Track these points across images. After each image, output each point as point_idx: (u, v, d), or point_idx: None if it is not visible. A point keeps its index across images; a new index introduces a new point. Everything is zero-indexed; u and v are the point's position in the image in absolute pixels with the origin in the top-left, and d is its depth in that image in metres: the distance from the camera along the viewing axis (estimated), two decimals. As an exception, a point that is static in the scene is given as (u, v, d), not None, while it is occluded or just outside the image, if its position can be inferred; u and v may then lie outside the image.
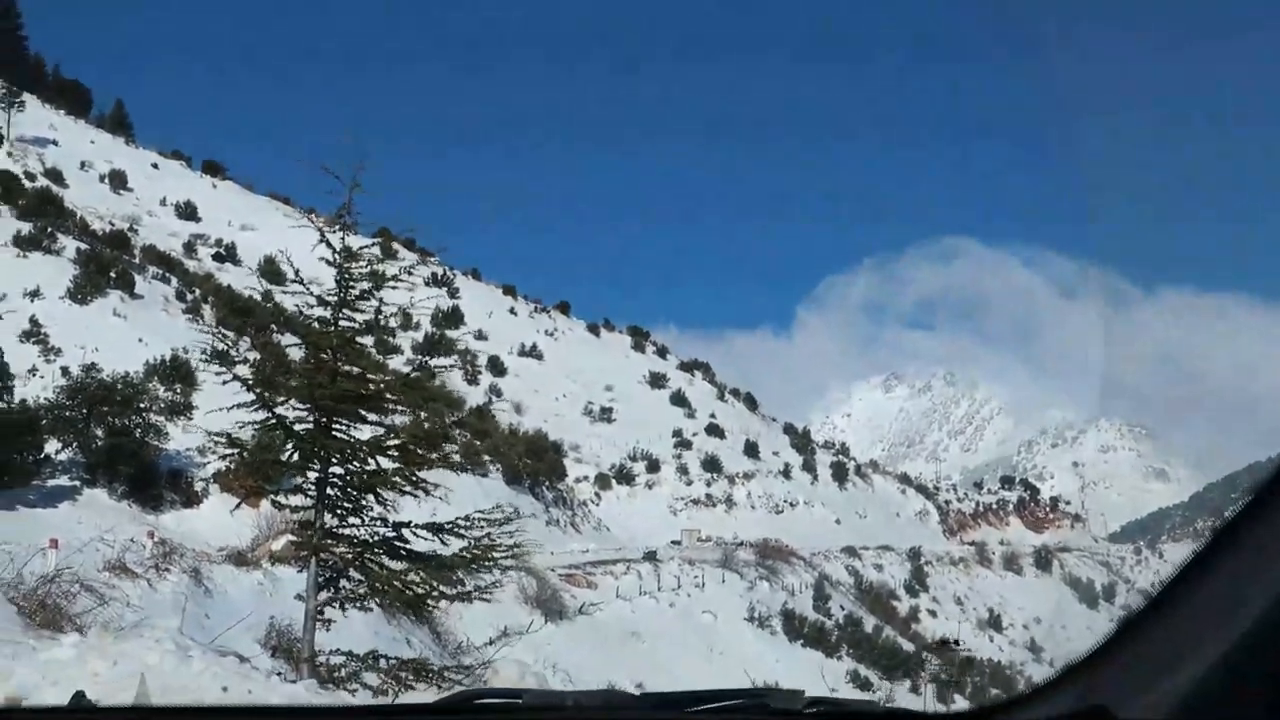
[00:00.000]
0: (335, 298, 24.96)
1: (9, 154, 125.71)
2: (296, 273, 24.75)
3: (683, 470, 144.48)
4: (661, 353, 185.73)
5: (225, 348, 32.14)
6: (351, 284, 24.99)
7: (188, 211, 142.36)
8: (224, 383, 27.18)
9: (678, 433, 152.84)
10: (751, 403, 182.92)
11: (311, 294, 25.18)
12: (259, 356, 37.83)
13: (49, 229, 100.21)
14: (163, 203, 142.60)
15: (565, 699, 2.56)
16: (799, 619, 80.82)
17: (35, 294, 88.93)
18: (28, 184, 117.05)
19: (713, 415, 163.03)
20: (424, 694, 21.97)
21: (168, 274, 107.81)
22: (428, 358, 31.92)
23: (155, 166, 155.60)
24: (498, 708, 2.27)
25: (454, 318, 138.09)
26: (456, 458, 36.41)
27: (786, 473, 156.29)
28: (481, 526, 24.65)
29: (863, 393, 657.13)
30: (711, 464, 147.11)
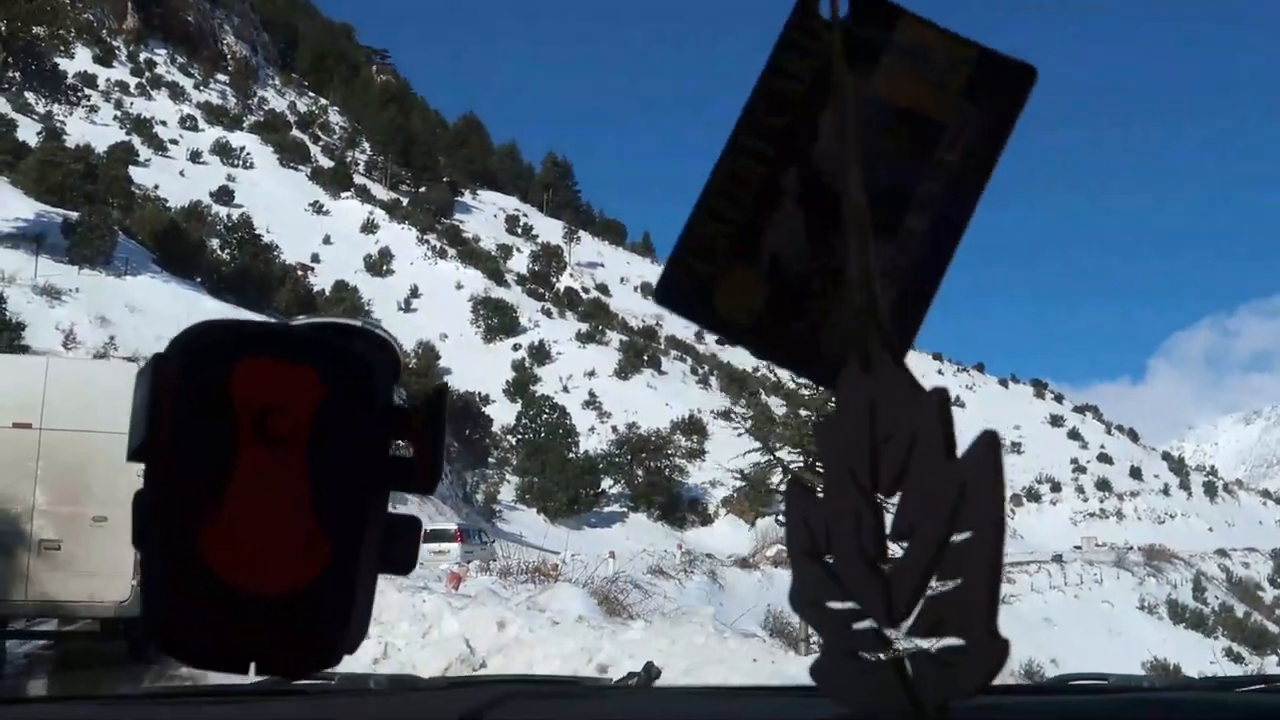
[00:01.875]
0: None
1: (570, 274, 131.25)
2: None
3: (1079, 490, 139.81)
4: (1059, 399, 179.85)
5: (728, 408, 32.62)
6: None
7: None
8: (738, 434, 27.64)
9: (1074, 460, 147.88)
10: (1134, 436, 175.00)
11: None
12: (752, 412, 38.48)
13: (600, 327, 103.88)
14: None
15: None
16: (1181, 607, 76.08)
17: (592, 373, 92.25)
18: (584, 296, 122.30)
19: (1102, 446, 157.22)
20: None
21: (684, 355, 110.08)
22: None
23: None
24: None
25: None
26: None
27: (1166, 491, 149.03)
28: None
29: (1227, 426, 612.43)
30: (1103, 485, 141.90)
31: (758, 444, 27.80)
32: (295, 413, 0.84)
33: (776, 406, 31.59)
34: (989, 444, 0.68)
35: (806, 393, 25.58)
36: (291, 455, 0.83)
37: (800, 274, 0.78)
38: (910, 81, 0.77)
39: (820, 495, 0.81)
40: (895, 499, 0.73)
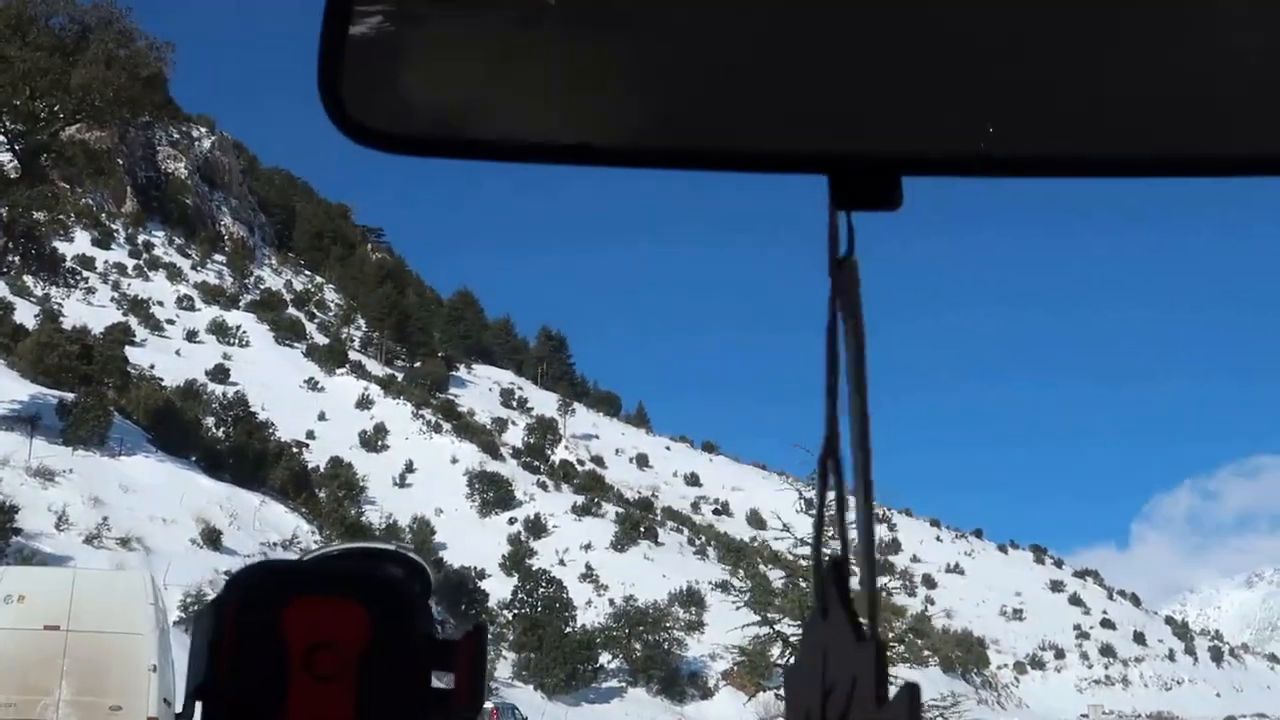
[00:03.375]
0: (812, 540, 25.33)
1: (565, 447, 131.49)
2: (784, 525, 25.22)
3: (1084, 656, 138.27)
4: (1058, 564, 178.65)
5: (726, 579, 32.62)
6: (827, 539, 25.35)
7: (693, 480, 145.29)
8: (737, 608, 27.58)
9: (1077, 626, 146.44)
10: (1136, 600, 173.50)
11: (794, 536, 25.56)
12: (750, 584, 38.38)
13: (596, 499, 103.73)
14: (674, 474, 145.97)
15: None
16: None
17: (588, 546, 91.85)
18: (580, 468, 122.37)
19: (1104, 612, 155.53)
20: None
21: (680, 526, 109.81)
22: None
23: (668, 448, 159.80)
24: None
25: (893, 546, 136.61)
26: (931, 655, 35.76)
27: (1171, 656, 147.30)
28: (938, 710, 24.21)
29: (1229, 589, 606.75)
30: (1107, 650, 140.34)
31: (756, 616, 27.71)
32: (343, 649, 0.85)
33: (775, 578, 31.57)
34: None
35: (802, 563, 25.61)
36: (340, 689, 0.84)
37: None
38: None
39: None
40: None
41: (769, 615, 27.51)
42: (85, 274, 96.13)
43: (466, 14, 0.92)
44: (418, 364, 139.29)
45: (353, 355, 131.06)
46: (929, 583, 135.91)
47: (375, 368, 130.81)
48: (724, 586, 53.70)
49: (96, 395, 55.01)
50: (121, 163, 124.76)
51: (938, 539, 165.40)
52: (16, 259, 54.52)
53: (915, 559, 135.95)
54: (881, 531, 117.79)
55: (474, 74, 0.94)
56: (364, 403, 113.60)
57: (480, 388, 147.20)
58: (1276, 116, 0.88)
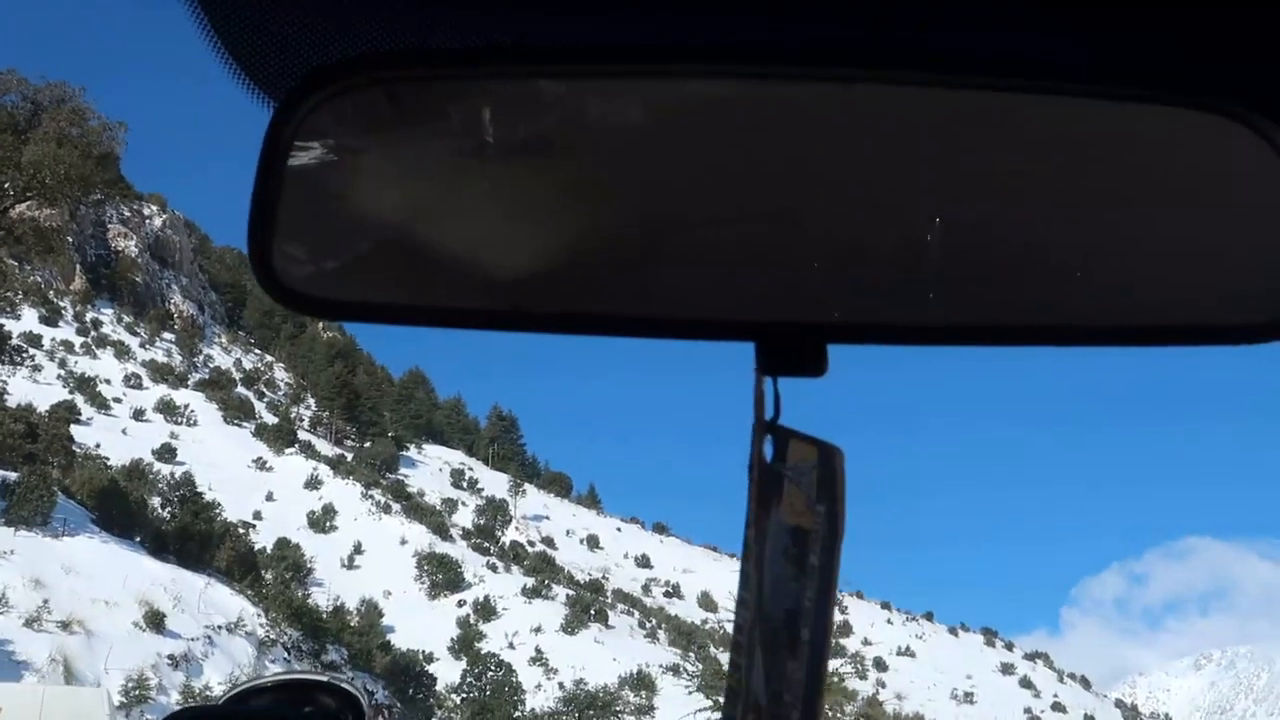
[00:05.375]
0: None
1: (516, 528, 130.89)
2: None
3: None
4: (1009, 646, 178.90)
5: (677, 662, 32.66)
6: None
7: (644, 561, 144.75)
8: (689, 692, 27.59)
9: (1028, 710, 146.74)
10: (1086, 683, 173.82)
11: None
12: (702, 668, 38.25)
13: (546, 581, 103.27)
14: (625, 556, 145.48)
15: None
16: None
17: (538, 629, 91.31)
18: (530, 549, 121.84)
19: (1055, 695, 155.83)
20: None
21: (631, 609, 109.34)
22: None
23: (619, 530, 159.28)
24: None
25: (844, 629, 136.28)
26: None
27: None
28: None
29: (1178, 672, 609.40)
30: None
31: (708, 701, 27.66)
32: None
33: (726, 660, 31.57)
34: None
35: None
36: None
37: (758, 702, 0.87)
38: (796, 499, 0.86)
39: None
40: None
41: (720, 700, 27.51)
42: (32, 351, 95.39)
43: (406, 185, 0.93)
44: (368, 444, 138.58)
45: (302, 435, 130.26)
46: (880, 665, 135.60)
47: (325, 447, 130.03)
48: (675, 670, 53.48)
49: (40, 474, 54.39)
50: (71, 240, 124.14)
51: (889, 621, 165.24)
52: (-39, 336, 54.04)
53: (866, 641, 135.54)
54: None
55: (400, 242, 0.95)
56: (313, 483, 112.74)
57: (430, 468, 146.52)
58: (1202, 288, 0.91)
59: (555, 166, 0.92)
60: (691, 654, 79.28)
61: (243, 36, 0.91)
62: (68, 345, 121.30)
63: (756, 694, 0.87)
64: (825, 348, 0.88)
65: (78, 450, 72.87)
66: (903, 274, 0.90)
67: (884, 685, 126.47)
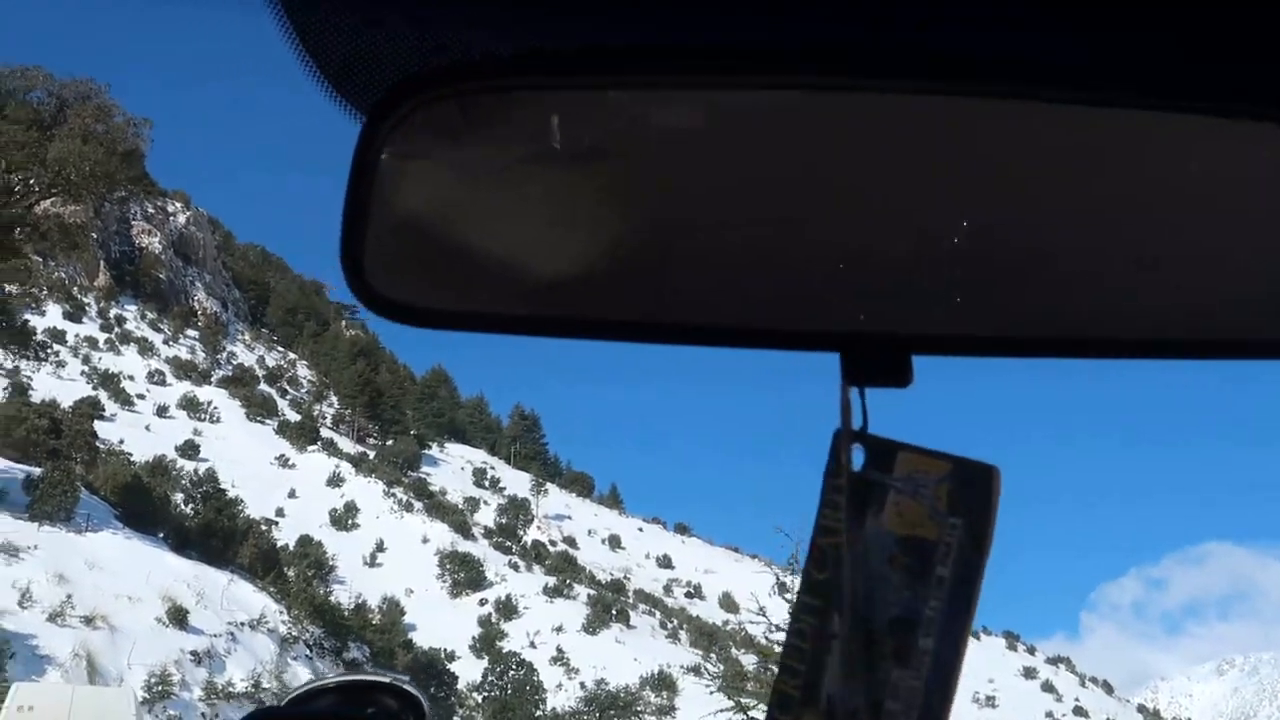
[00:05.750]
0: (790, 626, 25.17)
1: (538, 527, 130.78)
2: (760, 609, 25.10)
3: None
4: (1031, 650, 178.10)
5: (698, 663, 32.50)
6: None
7: (665, 562, 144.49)
8: (711, 692, 27.40)
9: (1049, 714, 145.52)
10: (1108, 688, 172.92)
11: (769, 621, 25.43)
12: (723, 668, 38.11)
13: (568, 581, 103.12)
14: (647, 556, 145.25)
15: None
16: None
17: (559, 628, 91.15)
18: (552, 549, 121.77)
19: (1077, 699, 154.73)
20: None
21: (653, 609, 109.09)
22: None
23: (640, 530, 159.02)
24: None
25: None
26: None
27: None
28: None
29: (1200, 677, 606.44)
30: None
31: (730, 701, 27.46)
32: None
33: (748, 662, 31.38)
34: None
35: (776, 648, 25.48)
36: None
37: (850, 709, 0.86)
38: (909, 510, 0.86)
39: None
40: None
41: (742, 700, 27.28)
42: (56, 347, 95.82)
43: (481, 194, 0.96)
44: (390, 442, 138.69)
45: (325, 432, 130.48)
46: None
47: (347, 445, 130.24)
48: (696, 670, 53.33)
49: (64, 470, 54.58)
50: (95, 237, 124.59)
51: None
52: (-14, 332, 54.33)
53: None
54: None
55: (491, 250, 0.98)
56: (335, 480, 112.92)
57: (452, 466, 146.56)
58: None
59: (628, 172, 0.93)
60: (713, 654, 79.04)
61: (331, 49, 0.93)
62: (91, 341, 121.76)
63: (836, 700, 0.87)
64: (910, 359, 0.90)
65: (101, 446, 73.13)
66: (986, 286, 0.90)
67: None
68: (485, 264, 0.98)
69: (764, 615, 25.27)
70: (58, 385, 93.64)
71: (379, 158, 0.95)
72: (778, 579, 26.40)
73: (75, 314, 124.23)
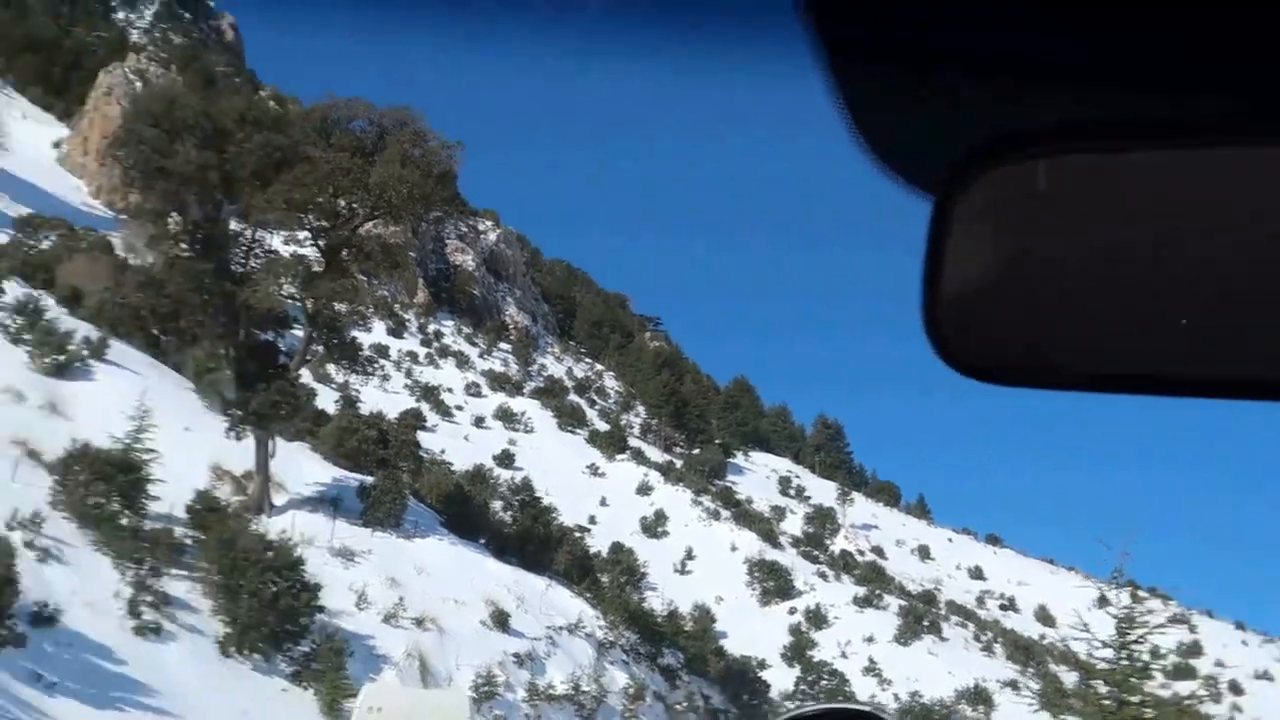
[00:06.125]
0: (1116, 642, 23.93)
1: (845, 537, 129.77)
2: (1083, 624, 24.03)
3: None
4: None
5: (1014, 678, 31.32)
6: (1131, 643, 23.84)
7: (977, 573, 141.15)
8: (1034, 709, 26.37)
9: None
10: None
11: (1091, 635, 24.32)
12: (1041, 684, 36.64)
13: (877, 591, 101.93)
14: (957, 567, 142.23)
15: None
16: None
17: (870, 639, 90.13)
18: (859, 558, 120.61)
19: None
20: None
21: (965, 621, 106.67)
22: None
23: (950, 540, 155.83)
24: None
25: (1194, 649, 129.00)
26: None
27: None
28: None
29: None
30: None
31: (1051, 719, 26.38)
32: None
33: (1069, 679, 30.13)
34: None
35: (1101, 665, 24.31)
36: None
37: None
38: None
39: None
40: None
41: (1065, 719, 26.14)
42: (381, 362, 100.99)
43: (1052, 254, 0.96)
44: (696, 451, 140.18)
45: (633, 441, 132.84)
46: (1235, 689, 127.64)
47: (654, 454, 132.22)
48: (1014, 685, 51.64)
49: (393, 478, 57.25)
50: (414, 256, 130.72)
51: (1243, 643, 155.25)
52: (320, 348, 57.46)
53: (1219, 664, 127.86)
54: (1181, 634, 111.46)
55: (1066, 309, 0.98)
56: (644, 489, 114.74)
57: (757, 475, 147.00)
58: None
59: (1171, 230, 0.92)
60: (1030, 669, 76.50)
61: (884, 136, 0.95)
62: (413, 356, 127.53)
63: None
64: None
65: (424, 456, 76.48)
66: None
67: (1240, 710, 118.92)
68: (1060, 322, 0.98)
69: (1086, 630, 24.16)
70: (383, 398, 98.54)
71: (951, 225, 0.97)
72: (1101, 593, 25.20)
73: (397, 330, 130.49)
